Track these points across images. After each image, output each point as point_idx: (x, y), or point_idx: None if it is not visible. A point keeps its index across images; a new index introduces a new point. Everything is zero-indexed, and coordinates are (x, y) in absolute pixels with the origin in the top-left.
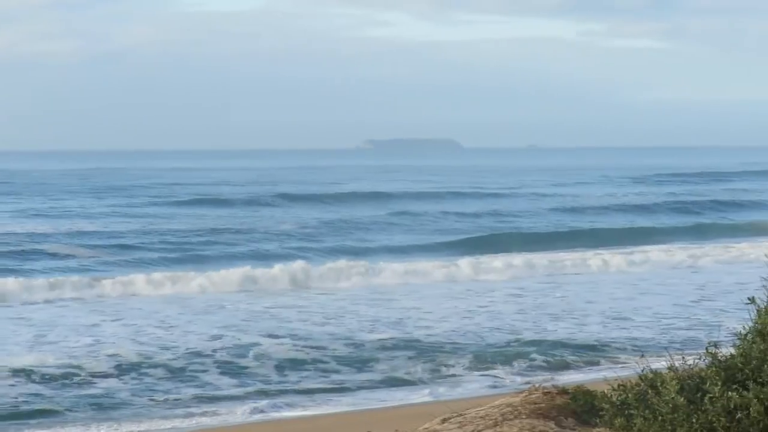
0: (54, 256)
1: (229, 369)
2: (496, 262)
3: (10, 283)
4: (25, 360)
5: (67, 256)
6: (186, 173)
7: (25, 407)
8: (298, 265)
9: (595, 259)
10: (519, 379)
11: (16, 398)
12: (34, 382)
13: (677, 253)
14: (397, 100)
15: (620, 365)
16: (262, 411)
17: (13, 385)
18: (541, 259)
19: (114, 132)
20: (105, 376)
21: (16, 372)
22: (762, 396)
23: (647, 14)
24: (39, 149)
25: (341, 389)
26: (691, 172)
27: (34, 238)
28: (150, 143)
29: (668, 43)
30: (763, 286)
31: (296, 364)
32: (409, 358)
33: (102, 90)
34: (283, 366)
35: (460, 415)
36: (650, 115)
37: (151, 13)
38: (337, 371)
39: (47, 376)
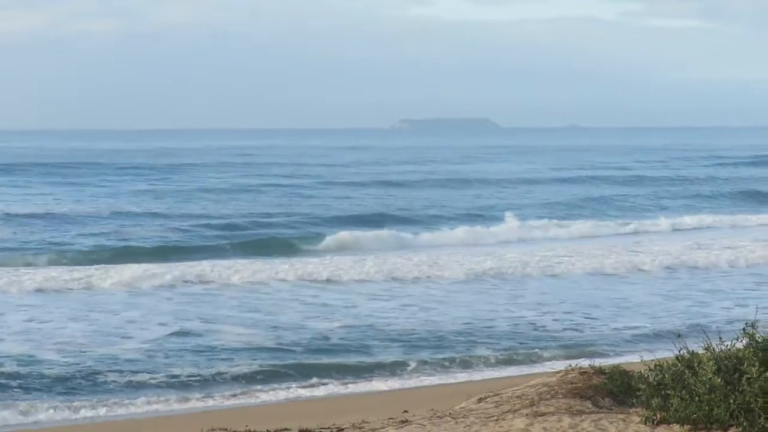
0: None
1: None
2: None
3: None
4: None
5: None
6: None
7: None
8: None
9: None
10: None
11: None
12: None
13: None
14: (431, 79)
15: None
16: None
17: None
18: None
19: (151, 112)
20: None
21: None
22: None
23: None
24: (77, 129)
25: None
26: None
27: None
28: (186, 123)
29: (705, 22)
30: None
31: None
32: None
33: (138, 69)
34: None
35: (497, 394)
36: (690, 94)
37: None
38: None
39: None
